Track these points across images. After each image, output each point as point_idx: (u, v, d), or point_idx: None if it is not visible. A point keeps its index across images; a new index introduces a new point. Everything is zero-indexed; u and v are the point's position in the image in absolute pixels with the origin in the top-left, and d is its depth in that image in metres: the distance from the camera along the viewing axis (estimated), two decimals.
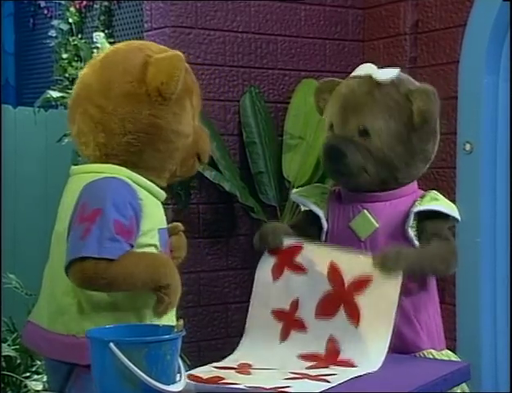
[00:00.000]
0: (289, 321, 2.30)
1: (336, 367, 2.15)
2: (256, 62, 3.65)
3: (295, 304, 2.30)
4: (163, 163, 2.20)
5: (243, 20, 3.61)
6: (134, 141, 2.15)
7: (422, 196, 2.47)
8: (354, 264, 2.27)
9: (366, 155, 2.42)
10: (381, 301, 2.20)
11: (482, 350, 3.37)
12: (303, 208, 2.70)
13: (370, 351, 2.17)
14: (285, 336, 2.29)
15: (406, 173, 2.48)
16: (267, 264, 2.38)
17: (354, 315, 2.21)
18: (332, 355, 2.20)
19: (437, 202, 2.46)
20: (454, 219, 2.49)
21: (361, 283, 2.23)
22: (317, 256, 2.32)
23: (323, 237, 2.51)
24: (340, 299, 2.25)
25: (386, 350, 2.17)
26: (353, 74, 2.54)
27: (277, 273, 2.35)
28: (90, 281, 2.05)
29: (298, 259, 2.33)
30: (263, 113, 3.62)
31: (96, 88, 2.19)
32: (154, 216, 2.18)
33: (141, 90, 2.13)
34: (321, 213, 2.51)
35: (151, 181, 2.20)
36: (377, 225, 2.43)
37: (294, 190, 2.69)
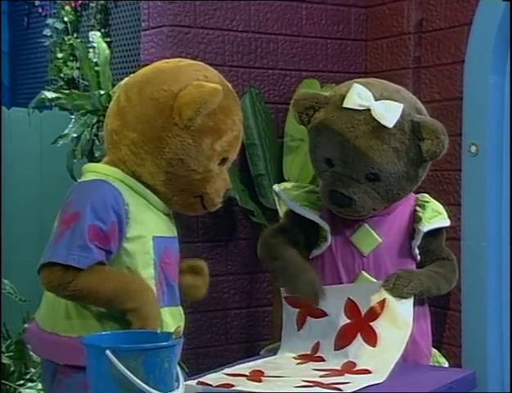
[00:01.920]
0: (310, 358, 2.37)
1: (351, 375, 2.18)
2: (256, 62, 3.65)
3: (316, 347, 2.39)
4: (156, 178, 2.19)
5: (243, 18, 3.61)
6: (139, 141, 2.17)
7: (420, 205, 2.48)
8: (368, 292, 2.34)
9: (375, 198, 2.41)
10: (396, 322, 2.27)
11: (488, 357, 3.36)
12: (281, 209, 2.68)
13: (385, 360, 2.23)
14: (301, 364, 2.36)
15: (408, 194, 2.51)
16: (291, 315, 2.45)
17: (371, 339, 2.29)
18: (349, 369, 2.26)
19: (441, 216, 2.50)
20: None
21: (376, 309, 2.28)
22: (335, 297, 2.38)
23: (323, 250, 2.50)
24: (357, 328, 2.33)
25: (398, 356, 2.23)
26: (346, 102, 2.37)
27: (301, 322, 2.43)
28: (56, 288, 2.09)
29: (318, 305, 2.40)
30: (264, 114, 3.62)
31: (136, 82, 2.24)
32: (146, 222, 2.17)
33: (168, 103, 2.15)
34: (327, 227, 2.48)
35: (146, 185, 2.20)
36: (380, 240, 2.44)
37: (280, 189, 2.62)
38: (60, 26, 5.21)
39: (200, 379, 2.11)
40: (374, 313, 2.30)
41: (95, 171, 2.22)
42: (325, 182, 2.46)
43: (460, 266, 3.34)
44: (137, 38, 4.12)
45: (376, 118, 2.35)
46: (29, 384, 3.63)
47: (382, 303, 2.29)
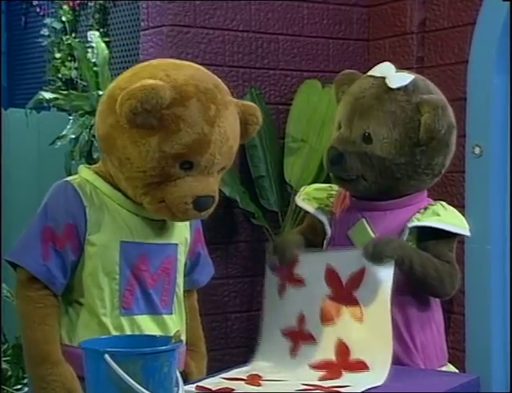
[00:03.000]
0: (299, 336, 2.34)
1: (349, 373, 2.17)
2: (257, 62, 3.66)
3: (301, 319, 2.34)
4: (119, 179, 2.15)
5: (243, 18, 3.61)
6: (99, 141, 2.20)
7: (425, 208, 2.45)
8: (348, 260, 2.31)
9: (366, 162, 2.42)
10: (377, 290, 2.24)
11: (492, 362, 3.36)
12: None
13: (376, 347, 2.20)
14: (295, 351, 2.33)
15: (409, 184, 2.47)
16: (272, 283, 2.41)
17: (356, 312, 2.24)
18: (343, 357, 2.23)
19: (438, 218, 2.43)
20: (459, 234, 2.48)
21: (357, 277, 2.26)
22: (313, 263, 2.36)
23: (325, 243, 2.51)
24: (341, 299, 2.29)
25: (391, 345, 2.19)
26: (370, 72, 2.54)
27: (282, 290, 2.39)
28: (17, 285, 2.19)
29: (297, 271, 2.37)
30: (264, 115, 3.59)
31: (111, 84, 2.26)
32: (112, 227, 2.15)
33: (117, 100, 2.11)
34: (324, 218, 2.52)
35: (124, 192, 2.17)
36: (373, 236, 2.43)
37: (299, 192, 2.68)
38: (58, 26, 5.22)
39: (199, 384, 2.11)
40: (354, 282, 2.26)
41: (79, 173, 2.25)
42: (329, 143, 2.51)
43: (464, 269, 3.35)
44: (136, 37, 4.12)
45: (386, 82, 2.44)
46: (26, 389, 3.63)
47: (361, 270, 2.26)
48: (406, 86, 2.44)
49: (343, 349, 2.24)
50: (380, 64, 2.55)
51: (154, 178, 2.08)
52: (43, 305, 2.13)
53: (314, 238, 2.54)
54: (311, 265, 2.35)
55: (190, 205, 2.09)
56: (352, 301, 2.26)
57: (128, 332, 2.14)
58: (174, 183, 2.09)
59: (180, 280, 2.28)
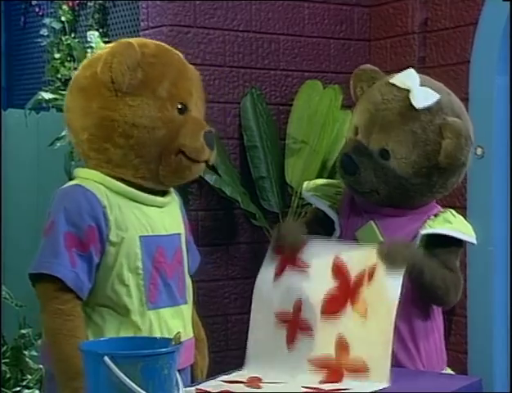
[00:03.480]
0: (295, 323, 2.30)
1: (349, 373, 2.16)
2: (257, 63, 3.65)
3: (299, 306, 2.30)
4: (129, 159, 2.18)
5: (244, 18, 3.61)
6: (92, 137, 2.19)
7: (436, 215, 2.45)
8: (359, 257, 2.28)
9: (381, 177, 2.40)
10: (384, 293, 2.21)
11: (494, 364, 3.36)
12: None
13: (377, 346, 2.18)
14: (291, 339, 2.29)
15: (421, 200, 2.47)
16: (270, 264, 2.37)
17: (362, 309, 2.22)
18: (343, 354, 2.21)
19: (450, 226, 2.44)
20: (467, 241, 2.48)
21: (366, 275, 2.24)
22: (321, 251, 2.33)
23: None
24: (346, 295, 2.26)
25: (390, 347, 2.17)
26: (394, 78, 2.46)
27: (279, 271, 2.35)
28: (40, 299, 2.15)
29: (301, 255, 2.33)
30: (265, 116, 3.62)
31: (69, 88, 2.29)
32: (131, 223, 2.17)
33: (93, 84, 2.17)
34: (335, 218, 2.51)
35: (130, 183, 2.20)
36: (381, 239, 2.43)
37: (306, 185, 2.64)
38: (57, 26, 5.21)
39: (198, 386, 2.10)
40: (363, 279, 2.23)
41: (79, 176, 2.25)
42: (343, 147, 2.48)
43: (467, 271, 3.34)
44: (136, 37, 4.12)
45: (410, 97, 2.39)
46: (26, 391, 3.63)
47: (372, 270, 2.24)
48: (432, 104, 2.40)
49: (343, 344, 2.22)
50: (404, 72, 2.48)
51: (162, 130, 2.16)
52: (73, 318, 2.12)
53: (319, 232, 2.53)
54: (318, 253, 2.31)
55: (203, 142, 2.21)
56: (358, 298, 2.24)
57: (156, 327, 2.17)
58: (181, 128, 2.19)
59: (186, 269, 2.33)
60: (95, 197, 2.14)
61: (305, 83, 3.69)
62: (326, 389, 2.10)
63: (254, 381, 2.17)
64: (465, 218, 2.53)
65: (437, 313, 2.50)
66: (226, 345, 3.56)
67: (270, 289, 2.34)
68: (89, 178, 2.20)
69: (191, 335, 2.32)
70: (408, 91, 2.41)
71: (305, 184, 2.65)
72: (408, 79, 2.45)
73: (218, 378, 2.21)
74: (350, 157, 2.42)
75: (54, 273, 2.10)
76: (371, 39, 3.86)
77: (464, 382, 2.28)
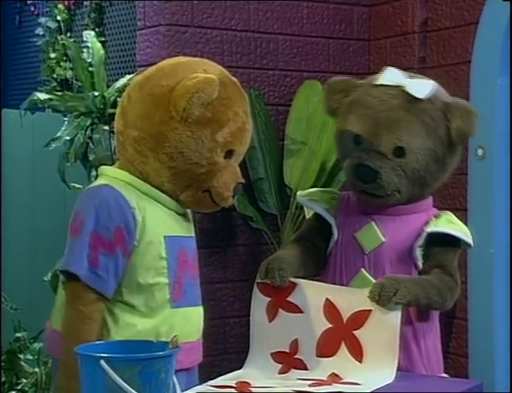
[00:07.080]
0: (290, 361, 2.34)
1: (340, 385, 2.17)
2: (256, 62, 3.66)
3: (295, 345, 2.34)
4: (160, 175, 2.24)
5: (242, 17, 3.62)
6: (140, 139, 2.24)
7: (437, 216, 2.48)
8: (350, 298, 2.31)
9: (401, 176, 2.43)
10: (383, 333, 2.25)
11: (495, 367, 3.36)
12: (307, 214, 2.70)
13: (375, 379, 2.19)
14: (284, 372, 2.32)
15: (433, 188, 2.51)
16: (261, 304, 2.40)
17: (357, 351, 2.26)
18: (335, 380, 2.23)
19: (453, 226, 2.48)
20: (466, 244, 2.50)
21: (360, 317, 2.28)
22: (311, 295, 2.36)
23: (331, 246, 2.52)
24: (340, 335, 2.30)
25: (393, 375, 2.20)
26: (380, 80, 2.49)
27: (272, 313, 2.38)
28: (67, 297, 2.21)
29: (292, 298, 2.36)
30: (263, 116, 3.62)
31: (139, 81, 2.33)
32: (156, 223, 2.23)
33: (165, 98, 2.22)
34: (332, 221, 2.52)
35: (152, 185, 2.26)
36: (383, 240, 2.44)
37: (300, 192, 2.68)
38: (52, 25, 5.21)
39: (187, 392, 2.10)
40: (357, 322, 2.26)
41: (104, 174, 2.30)
42: (350, 160, 2.48)
43: (467, 273, 3.35)
44: (133, 37, 4.12)
45: (409, 91, 2.43)
46: None
47: (367, 312, 2.27)
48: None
49: (335, 377, 2.25)
50: (385, 71, 2.51)
51: (203, 168, 2.24)
52: (90, 322, 2.17)
53: (316, 242, 2.54)
54: (308, 295, 2.35)
55: (231, 192, 2.29)
56: (353, 340, 2.27)
57: (177, 326, 2.22)
58: (219, 173, 2.26)
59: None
60: (124, 198, 2.20)
61: (304, 84, 3.70)
62: (317, 392, 2.11)
63: (244, 386, 2.18)
64: (466, 220, 2.55)
65: (436, 315, 2.53)
66: (223, 349, 3.56)
67: (265, 329, 2.38)
68: (117, 177, 2.26)
69: (200, 335, 2.36)
70: (400, 87, 2.44)
71: (299, 192, 2.69)
72: (394, 76, 2.49)
73: (206, 383, 2.21)
74: (366, 166, 2.43)
75: (73, 271, 2.16)
76: (371, 39, 3.86)
77: (465, 386, 2.29)
